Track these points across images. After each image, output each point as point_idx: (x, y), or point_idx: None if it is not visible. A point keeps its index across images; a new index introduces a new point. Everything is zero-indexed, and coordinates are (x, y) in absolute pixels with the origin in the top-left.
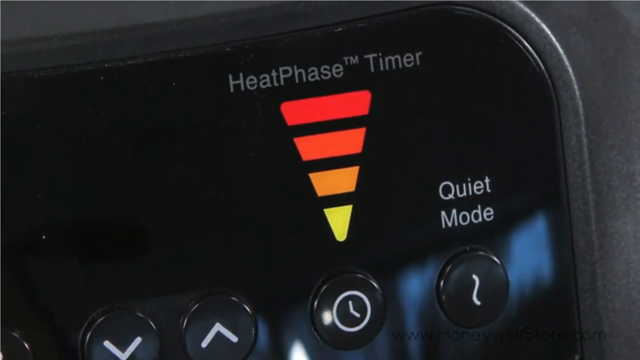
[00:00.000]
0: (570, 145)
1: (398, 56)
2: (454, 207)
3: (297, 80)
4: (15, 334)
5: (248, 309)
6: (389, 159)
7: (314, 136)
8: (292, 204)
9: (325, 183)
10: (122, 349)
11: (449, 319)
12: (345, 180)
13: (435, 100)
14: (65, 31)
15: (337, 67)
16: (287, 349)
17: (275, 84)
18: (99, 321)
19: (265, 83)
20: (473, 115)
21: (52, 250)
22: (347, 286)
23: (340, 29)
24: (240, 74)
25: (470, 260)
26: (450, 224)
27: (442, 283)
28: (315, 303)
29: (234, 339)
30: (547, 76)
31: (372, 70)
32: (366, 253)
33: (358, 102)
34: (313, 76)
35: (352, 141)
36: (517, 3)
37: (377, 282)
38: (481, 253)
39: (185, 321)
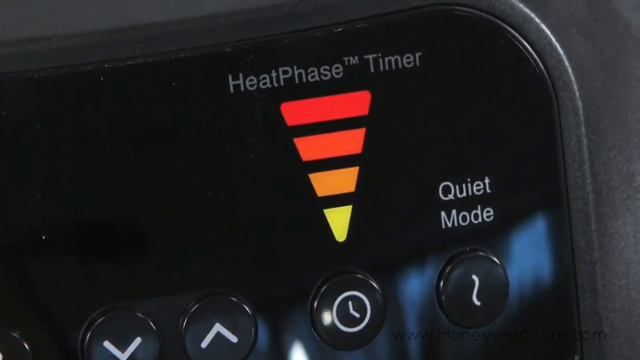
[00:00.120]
0: (570, 145)
1: (398, 56)
2: (453, 208)
3: (297, 81)
4: (15, 334)
5: (248, 309)
6: (389, 159)
7: (314, 136)
8: (292, 205)
9: (325, 183)
10: (122, 349)
11: (448, 319)
12: (345, 180)
13: (435, 100)
14: (65, 31)
15: (337, 68)
16: (287, 350)
17: (275, 84)
18: (99, 321)
19: (265, 83)
20: (473, 116)
21: (52, 250)
22: (347, 286)
23: (340, 29)
24: (240, 74)
25: (470, 260)
26: (450, 225)
27: (442, 283)
28: (315, 303)
29: (233, 339)
30: (547, 76)
31: (372, 70)
32: (366, 253)
33: (358, 103)
34: (313, 76)
35: (352, 141)
36: (517, 3)
37: (377, 283)
38: (481, 253)
39: (185, 321)
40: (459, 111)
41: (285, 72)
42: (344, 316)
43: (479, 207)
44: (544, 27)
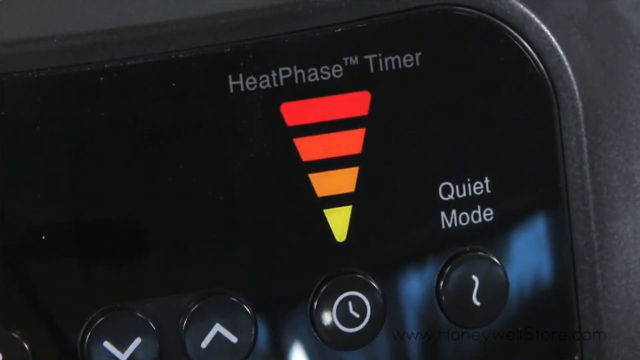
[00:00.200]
0: (570, 145)
1: (398, 57)
2: (453, 208)
3: (296, 81)
4: (15, 334)
5: (248, 310)
6: (389, 159)
7: (314, 137)
8: (291, 205)
9: (325, 184)
10: (122, 349)
11: (448, 319)
12: (345, 180)
13: (435, 100)
14: (65, 32)
15: (336, 68)
16: (286, 350)
17: (275, 85)
18: (98, 321)
19: (265, 83)
20: (473, 116)
21: (52, 251)
22: (347, 287)
23: (339, 30)
24: (240, 75)
25: (470, 260)
26: (450, 225)
27: (441, 283)
28: (315, 303)
29: (233, 339)
30: (546, 77)
31: (372, 70)
32: (366, 253)
33: (358, 103)
34: (313, 77)
35: (352, 142)
36: (517, 3)
37: (377, 283)
38: (481, 253)
39: (185, 322)
40: (459, 111)
41: (285, 73)
42: (344, 316)
43: (478, 207)
44: (544, 27)
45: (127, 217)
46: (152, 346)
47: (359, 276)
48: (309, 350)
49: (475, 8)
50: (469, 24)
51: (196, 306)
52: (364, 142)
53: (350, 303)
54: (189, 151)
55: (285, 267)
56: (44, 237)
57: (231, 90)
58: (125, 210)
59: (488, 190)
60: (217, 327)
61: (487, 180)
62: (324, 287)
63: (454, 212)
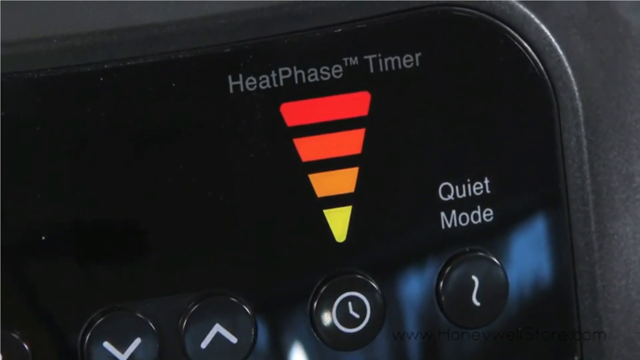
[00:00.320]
0: (570, 146)
1: (397, 57)
2: (453, 208)
3: (296, 81)
4: (15, 335)
5: (248, 310)
6: (389, 159)
7: (314, 137)
8: (291, 205)
9: (324, 184)
10: (122, 349)
11: (448, 319)
12: (344, 181)
13: (434, 101)
14: (64, 32)
15: (336, 68)
16: (286, 350)
17: (275, 85)
18: (98, 322)
19: (264, 84)
20: (472, 116)
21: (52, 251)
22: (347, 287)
23: (339, 30)
24: (240, 75)
25: (470, 261)
26: (449, 225)
27: (441, 284)
28: (315, 304)
29: (233, 339)
30: (546, 77)
31: (372, 71)
32: (366, 254)
33: (357, 103)
34: (312, 77)
35: (352, 142)
36: (517, 4)
37: (377, 283)
38: (481, 254)
39: (185, 322)
40: (459, 112)
41: (285, 73)
42: (344, 317)
43: (478, 207)
44: (543, 27)
45: (127, 218)
46: (152, 346)
47: (358, 276)
48: (308, 351)
49: (475, 8)
50: (469, 24)
51: (196, 306)
52: (363, 143)
53: (350, 303)
54: (189, 151)
55: (285, 267)
56: (44, 238)
57: (231, 90)
58: (125, 210)
59: (488, 191)
60: (217, 328)
61: (487, 181)
62: (324, 288)
63: (453, 212)
